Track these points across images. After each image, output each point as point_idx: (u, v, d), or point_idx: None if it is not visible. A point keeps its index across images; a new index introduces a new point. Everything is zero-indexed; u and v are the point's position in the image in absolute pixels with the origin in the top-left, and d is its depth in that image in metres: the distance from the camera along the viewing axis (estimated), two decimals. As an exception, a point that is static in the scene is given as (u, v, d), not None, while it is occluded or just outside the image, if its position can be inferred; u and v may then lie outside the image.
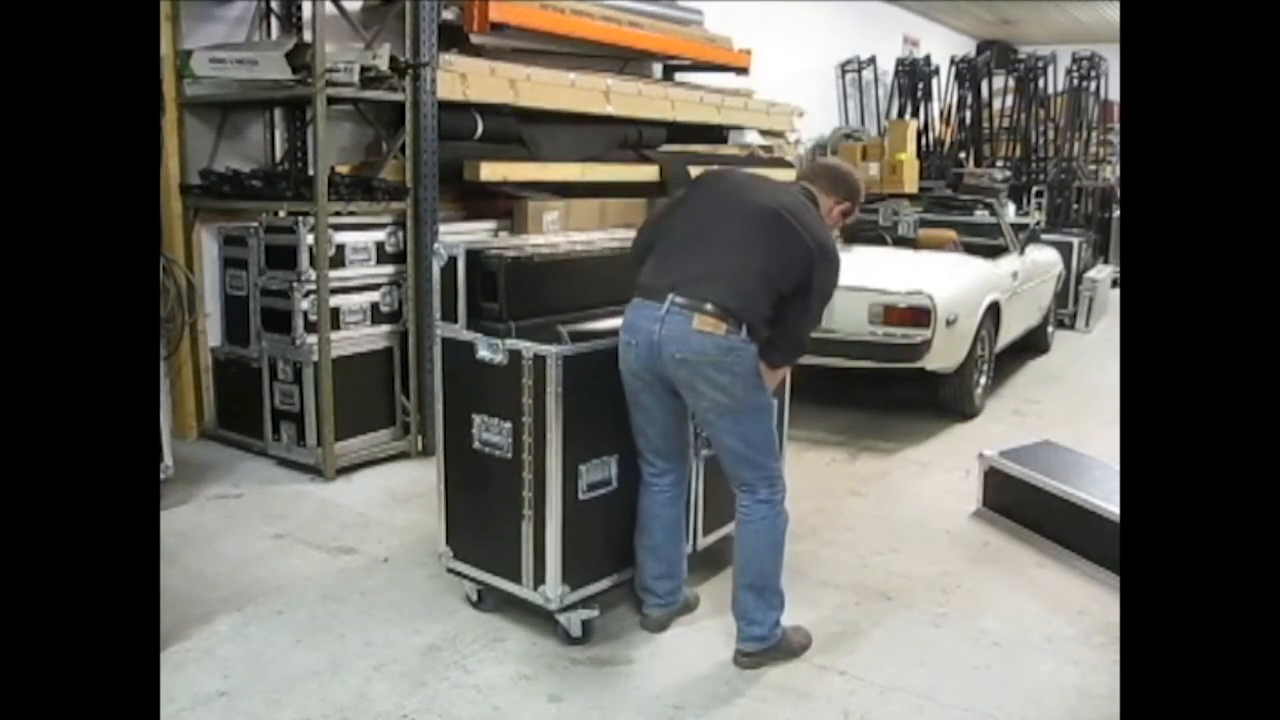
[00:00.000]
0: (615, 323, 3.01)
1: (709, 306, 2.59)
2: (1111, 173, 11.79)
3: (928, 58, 11.16)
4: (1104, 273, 9.07)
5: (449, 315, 2.95)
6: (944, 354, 5.11)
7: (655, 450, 2.88)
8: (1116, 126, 11.94)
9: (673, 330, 2.61)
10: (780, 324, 2.67)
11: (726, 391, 2.63)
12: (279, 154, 4.93)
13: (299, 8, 4.65)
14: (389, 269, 4.56)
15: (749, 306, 2.61)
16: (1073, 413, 5.79)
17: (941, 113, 11.28)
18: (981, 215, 7.33)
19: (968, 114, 11.29)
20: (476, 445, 2.92)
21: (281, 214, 4.41)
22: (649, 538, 2.94)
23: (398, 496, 4.11)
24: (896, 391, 5.76)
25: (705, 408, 2.69)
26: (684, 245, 2.72)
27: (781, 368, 2.84)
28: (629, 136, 6.26)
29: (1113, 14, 11.50)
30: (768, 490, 2.77)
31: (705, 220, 2.74)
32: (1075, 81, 11.21)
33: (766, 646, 2.81)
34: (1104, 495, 3.52)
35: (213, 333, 4.76)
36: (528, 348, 2.76)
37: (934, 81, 11.07)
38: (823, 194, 2.86)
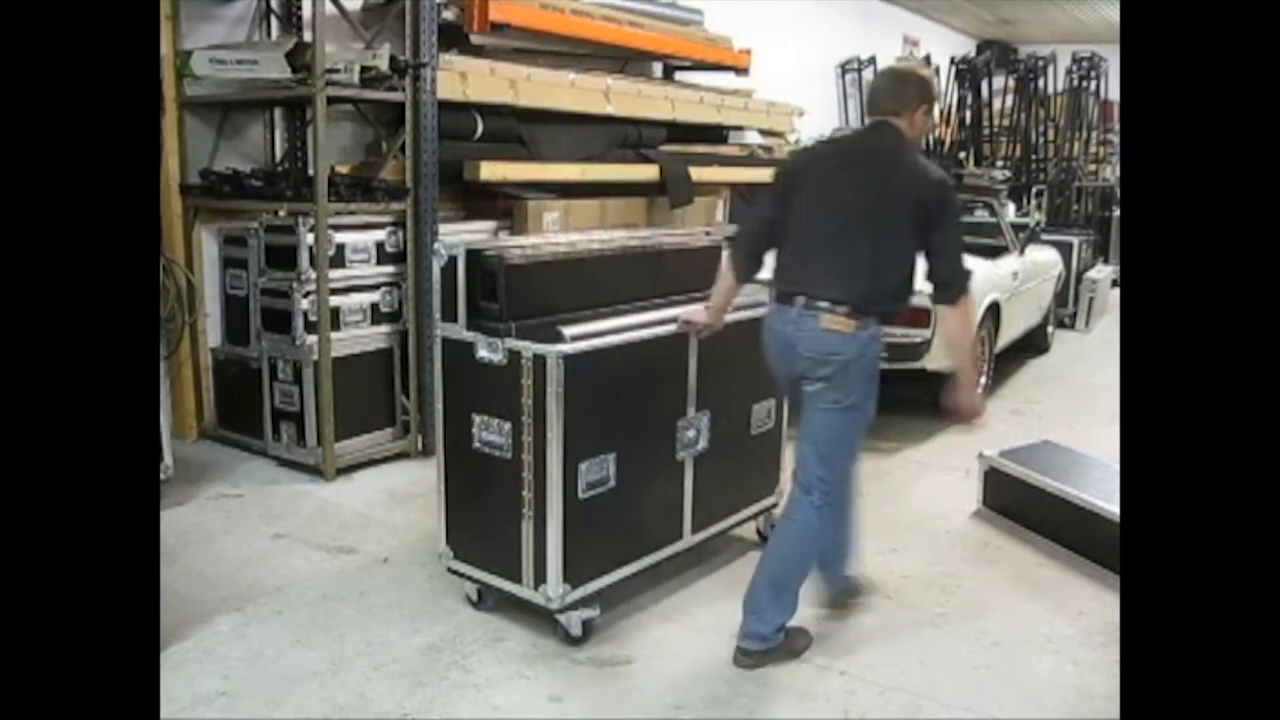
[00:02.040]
0: (615, 323, 3.03)
1: (833, 305, 2.65)
2: (1111, 173, 11.78)
3: (928, 58, 11.16)
4: (1104, 273, 9.07)
5: (449, 315, 2.95)
6: (944, 354, 5.11)
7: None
8: (1116, 126, 11.94)
9: (804, 331, 2.69)
10: (934, 263, 2.71)
11: (840, 389, 2.70)
12: (279, 154, 4.92)
13: (299, 8, 4.65)
14: (389, 269, 4.56)
15: (870, 293, 2.66)
16: (1073, 413, 5.79)
17: (941, 113, 11.28)
18: (981, 215, 7.32)
19: (968, 114, 11.29)
20: (476, 445, 2.92)
21: (281, 214, 4.41)
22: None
23: (398, 496, 4.11)
24: (896, 391, 5.75)
25: (817, 396, 2.74)
26: (802, 246, 2.76)
27: (960, 305, 2.77)
28: (629, 136, 6.26)
29: (1113, 14, 11.50)
30: (821, 497, 2.79)
31: (812, 216, 2.76)
32: (1075, 81, 11.21)
33: (768, 647, 2.81)
34: (1104, 495, 3.52)
35: (213, 333, 4.76)
36: (528, 348, 2.76)
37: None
38: (903, 118, 2.77)
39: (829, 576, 3.11)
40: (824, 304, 2.65)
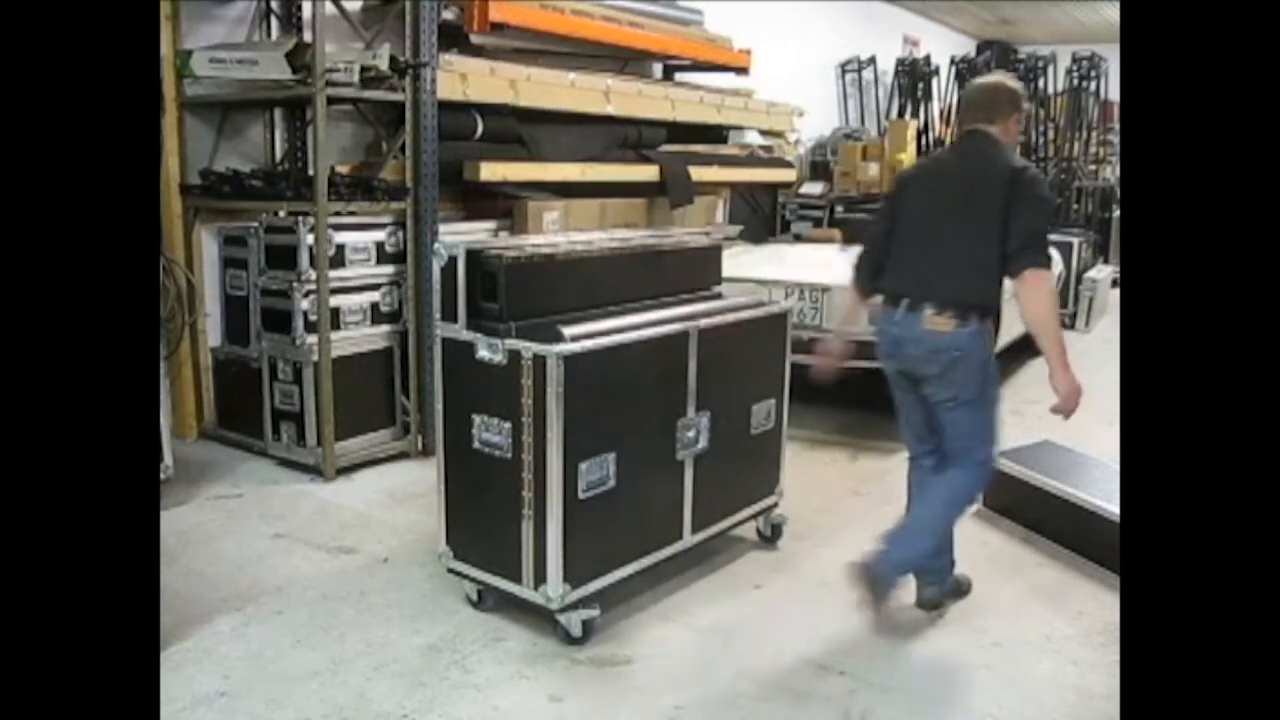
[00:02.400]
0: (615, 322, 3.03)
1: (934, 306, 2.84)
2: (1111, 173, 11.78)
3: (928, 58, 11.15)
4: (1104, 273, 9.07)
5: (449, 315, 2.95)
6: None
7: (917, 434, 3.11)
8: (1116, 126, 11.94)
9: (909, 331, 2.89)
10: (1010, 240, 2.77)
11: (955, 385, 2.89)
12: (279, 154, 4.92)
13: (299, 8, 4.65)
14: (389, 269, 4.56)
15: (967, 292, 2.84)
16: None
17: (941, 113, 11.27)
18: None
19: (968, 114, 11.27)
20: (476, 445, 2.92)
21: (281, 214, 4.40)
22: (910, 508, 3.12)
23: (398, 496, 4.11)
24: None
25: (937, 397, 2.94)
26: (905, 250, 2.97)
27: (1030, 280, 2.80)
28: (629, 136, 6.26)
29: (1113, 14, 11.50)
30: (978, 461, 2.99)
31: (913, 221, 2.98)
32: (1075, 81, 11.21)
33: (943, 591, 3.15)
34: (1104, 495, 3.52)
35: (213, 333, 4.76)
36: (527, 348, 2.76)
37: (934, 81, 11.06)
38: (996, 125, 2.95)
39: (931, 578, 3.19)
40: (926, 305, 2.85)
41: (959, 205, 2.86)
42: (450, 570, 3.09)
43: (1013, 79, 3.10)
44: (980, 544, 3.79)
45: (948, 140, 11.24)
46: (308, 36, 4.25)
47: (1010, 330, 6.13)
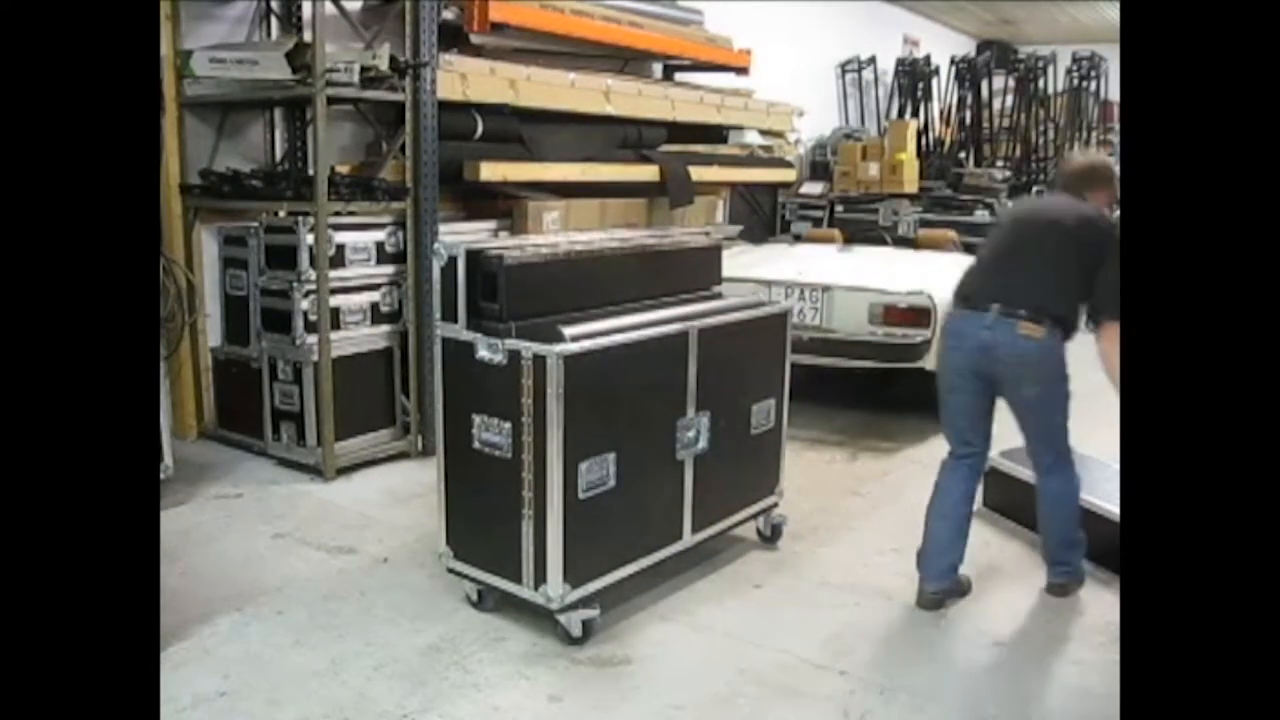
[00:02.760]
0: (615, 322, 3.03)
1: (1027, 314, 3.06)
2: (1111, 173, 11.77)
3: (928, 58, 11.16)
4: (1104, 273, 9.04)
5: (449, 315, 2.95)
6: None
7: (964, 438, 3.28)
8: (1116, 126, 11.95)
9: (1001, 335, 3.08)
10: (1095, 294, 3.09)
11: (1042, 385, 3.12)
12: (279, 154, 4.93)
13: (299, 8, 4.65)
14: (389, 269, 4.56)
15: (1056, 304, 3.09)
16: (1072, 413, 5.78)
17: (941, 113, 11.29)
18: (981, 215, 7.33)
19: (968, 114, 11.30)
20: (476, 445, 2.92)
21: (281, 214, 4.40)
22: (940, 510, 3.26)
23: (398, 496, 4.11)
24: (896, 391, 5.75)
25: (1022, 399, 3.16)
26: (999, 265, 3.22)
27: (1114, 324, 3.04)
28: (629, 136, 6.26)
29: (1113, 14, 11.50)
30: (1063, 465, 3.25)
31: (1013, 243, 3.26)
32: (1075, 81, 11.23)
33: (1070, 579, 3.33)
34: (1104, 495, 3.52)
35: (213, 333, 4.76)
36: (527, 348, 2.76)
37: (934, 81, 11.07)
38: (1090, 196, 3.24)
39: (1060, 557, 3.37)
40: (1021, 312, 3.06)
41: (1056, 239, 3.12)
42: (450, 570, 3.09)
43: (1109, 162, 3.41)
44: (980, 544, 3.79)
45: (947, 140, 11.26)
46: (308, 36, 4.24)
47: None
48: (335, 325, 4.33)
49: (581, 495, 2.83)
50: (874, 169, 9.10)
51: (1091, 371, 3.09)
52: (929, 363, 5.03)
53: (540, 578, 2.83)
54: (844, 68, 10.65)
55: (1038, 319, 3.07)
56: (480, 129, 5.18)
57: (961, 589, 3.29)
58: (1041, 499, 3.32)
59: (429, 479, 3.46)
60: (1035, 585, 3.40)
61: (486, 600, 3.08)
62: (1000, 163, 11.01)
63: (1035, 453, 3.29)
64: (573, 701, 2.64)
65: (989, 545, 3.78)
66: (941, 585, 3.23)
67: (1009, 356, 3.09)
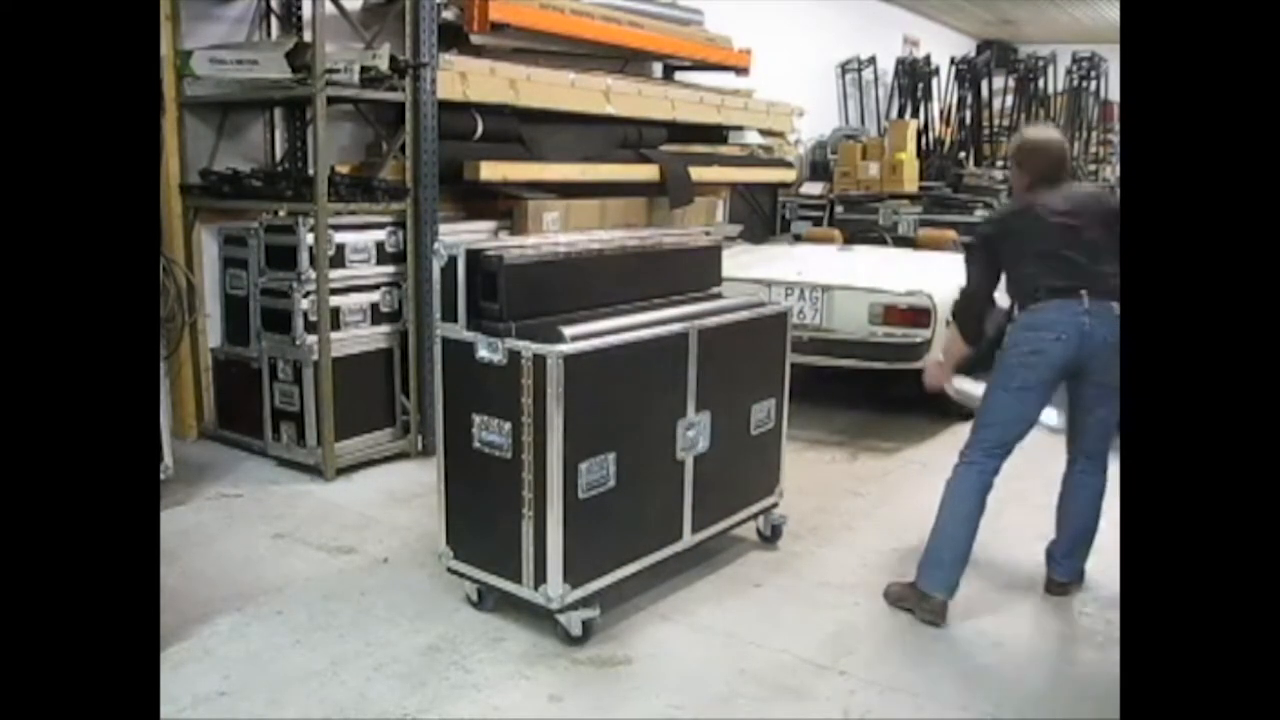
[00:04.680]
0: (615, 323, 3.03)
1: (1114, 297, 2.96)
2: (1111, 173, 11.78)
3: (928, 58, 11.16)
4: (1104, 273, 9.04)
5: (449, 315, 2.95)
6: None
7: (1004, 442, 3.13)
8: (1116, 126, 11.94)
9: (1104, 322, 2.99)
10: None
11: (1115, 373, 2.95)
12: (279, 154, 4.92)
13: (299, 8, 4.65)
14: (389, 269, 4.56)
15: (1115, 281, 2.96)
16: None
17: (941, 113, 11.28)
18: (981, 215, 7.32)
19: (968, 114, 11.29)
20: (476, 445, 2.92)
21: (281, 214, 4.41)
22: (956, 514, 3.16)
23: (398, 496, 4.11)
24: (896, 391, 5.76)
25: (1104, 387, 3.06)
26: (1056, 256, 3.06)
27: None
28: (629, 136, 6.26)
29: (1113, 14, 11.50)
30: (1104, 462, 3.24)
31: (1049, 238, 3.10)
32: (1075, 81, 11.22)
33: (1073, 579, 3.34)
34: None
35: (213, 333, 4.76)
36: (527, 348, 2.76)
37: (934, 81, 11.06)
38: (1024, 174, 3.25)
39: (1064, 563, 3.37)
40: (1107, 296, 2.97)
41: (1091, 221, 3.07)
42: (450, 570, 3.09)
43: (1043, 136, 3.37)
44: (981, 544, 3.79)
45: (947, 140, 11.24)
46: (308, 36, 4.24)
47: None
48: (335, 325, 4.33)
49: (581, 495, 2.83)
50: (874, 169, 9.09)
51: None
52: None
53: (540, 578, 2.83)
54: (844, 68, 10.65)
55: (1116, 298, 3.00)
56: (480, 129, 5.18)
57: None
58: (1078, 494, 3.29)
59: (429, 479, 3.46)
60: (1035, 585, 3.40)
61: (486, 600, 3.08)
62: (1000, 163, 11.00)
63: (1092, 444, 3.23)
64: (573, 701, 2.64)
65: (988, 545, 3.77)
66: (950, 595, 3.15)
67: (1104, 340, 3.00)
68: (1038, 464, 3.47)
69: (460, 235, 4.66)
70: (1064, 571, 3.34)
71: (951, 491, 3.18)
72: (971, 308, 3.29)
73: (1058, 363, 3.07)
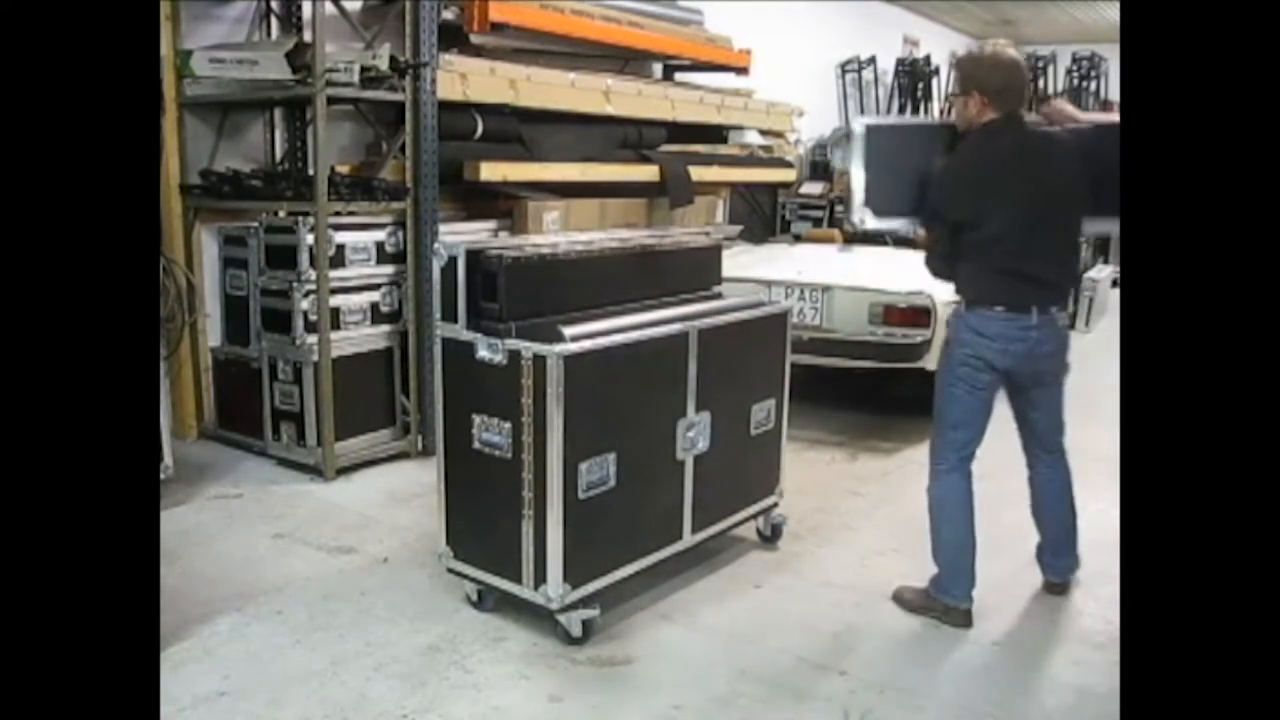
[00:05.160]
0: (615, 322, 3.03)
1: (1059, 306, 3.00)
2: (1111, 172, 11.77)
3: (928, 58, 11.16)
4: (1104, 273, 9.05)
5: (449, 315, 2.95)
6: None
7: (974, 440, 3.15)
8: (1116, 126, 11.93)
9: (1047, 336, 3.00)
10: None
11: (1061, 365, 3.11)
12: (279, 154, 4.92)
13: (299, 8, 4.65)
14: (389, 269, 4.56)
15: (1075, 280, 3.10)
16: (1072, 413, 5.77)
17: (941, 112, 11.28)
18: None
19: (968, 114, 11.26)
20: (476, 445, 2.92)
21: (281, 214, 4.41)
22: (958, 521, 3.14)
23: (398, 496, 4.11)
24: (896, 391, 5.75)
25: (1049, 384, 3.13)
26: (1011, 256, 2.93)
27: None
28: (629, 136, 6.26)
29: (1113, 14, 11.50)
30: (1063, 449, 3.25)
31: (1009, 222, 2.92)
32: (1075, 81, 11.22)
33: (1069, 576, 3.34)
34: (1104, 495, 3.52)
35: (213, 333, 4.76)
36: (528, 348, 2.76)
37: (934, 81, 11.06)
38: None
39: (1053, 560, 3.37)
40: (1053, 308, 2.99)
41: (1047, 194, 2.92)
42: (450, 570, 3.09)
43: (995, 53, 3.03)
44: (979, 545, 3.79)
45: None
46: (308, 36, 4.25)
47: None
48: (335, 325, 4.33)
49: (581, 495, 2.83)
50: (874, 169, 9.06)
51: (1092, 372, 3.09)
52: (929, 363, 5.03)
53: (540, 578, 2.83)
54: (844, 68, 10.64)
55: (1065, 303, 3.02)
56: (480, 129, 5.18)
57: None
58: (1047, 490, 3.28)
59: (429, 479, 3.46)
60: (1035, 585, 3.40)
61: (486, 600, 3.08)
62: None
63: (1045, 438, 3.23)
64: (573, 701, 2.64)
65: (989, 545, 3.77)
66: (971, 599, 3.14)
67: (1051, 350, 3.03)
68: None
69: (460, 235, 4.66)
70: (1057, 572, 3.34)
71: (943, 502, 3.14)
72: (935, 263, 3.21)
73: (1000, 369, 3.06)
